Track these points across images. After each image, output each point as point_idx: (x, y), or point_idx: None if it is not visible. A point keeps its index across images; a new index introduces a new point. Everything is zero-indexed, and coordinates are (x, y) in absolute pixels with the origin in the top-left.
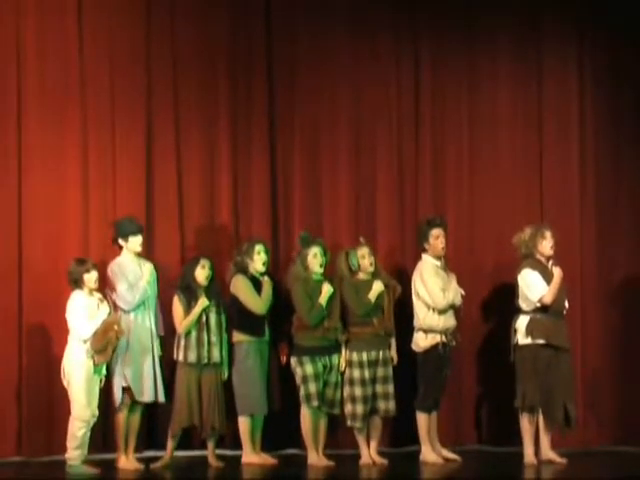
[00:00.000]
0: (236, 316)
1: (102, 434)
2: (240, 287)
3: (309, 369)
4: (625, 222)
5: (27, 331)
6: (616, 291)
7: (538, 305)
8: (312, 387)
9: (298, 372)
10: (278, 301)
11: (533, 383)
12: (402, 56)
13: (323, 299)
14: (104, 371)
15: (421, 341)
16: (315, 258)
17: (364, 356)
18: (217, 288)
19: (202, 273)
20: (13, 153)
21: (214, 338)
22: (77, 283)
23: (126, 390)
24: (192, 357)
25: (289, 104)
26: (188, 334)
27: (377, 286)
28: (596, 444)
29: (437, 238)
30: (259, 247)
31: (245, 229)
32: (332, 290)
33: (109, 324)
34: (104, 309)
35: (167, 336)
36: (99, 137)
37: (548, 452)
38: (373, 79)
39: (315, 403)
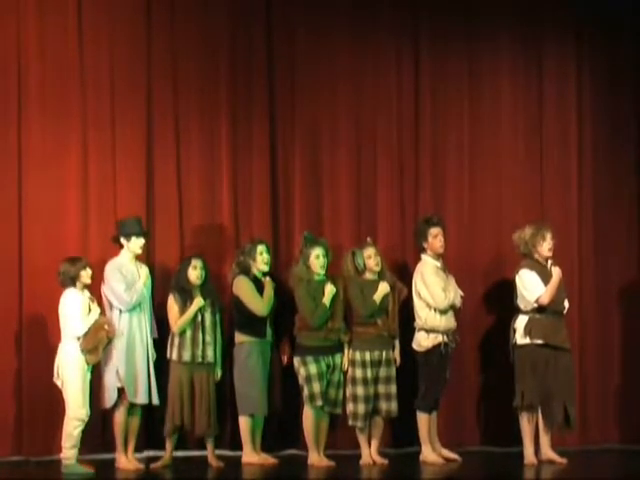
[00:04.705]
0: (238, 317)
1: (101, 434)
2: (242, 288)
3: (313, 369)
4: (623, 223)
5: (27, 330)
6: (614, 291)
7: (535, 305)
8: (316, 387)
9: (301, 372)
10: (280, 301)
11: (531, 383)
12: (402, 56)
13: (327, 299)
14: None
15: (423, 341)
16: (317, 259)
17: (367, 356)
18: (212, 287)
19: (194, 273)
20: (13, 153)
21: (208, 338)
22: (73, 281)
23: (121, 391)
24: (186, 356)
25: (289, 104)
26: (183, 333)
27: (383, 287)
28: (596, 444)
29: (435, 237)
30: (261, 247)
31: (245, 229)
32: (335, 290)
33: (100, 324)
34: (95, 308)
35: (160, 337)
36: (99, 137)
37: (548, 452)
38: (373, 78)
39: (319, 403)
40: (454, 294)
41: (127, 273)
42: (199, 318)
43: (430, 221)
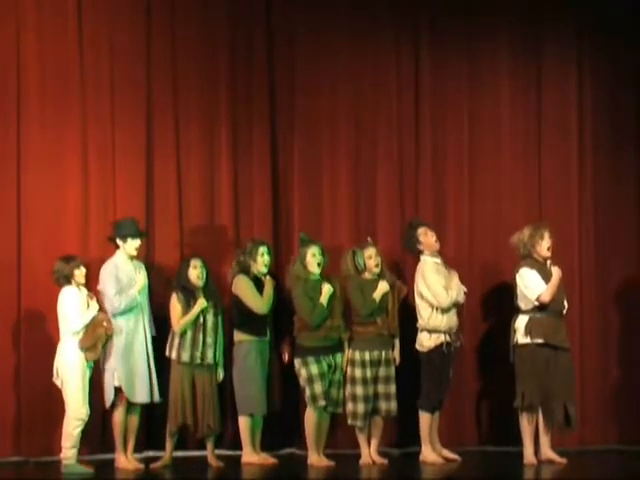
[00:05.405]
0: (237, 316)
1: (101, 434)
2: (242, 287)
3: (314, 369)
4: (623, 223)
5: (26, 330)
6: (614, 291)
7: (536, 304)
8: (318, 387)
9: (303, 373)
10: (280, 301)
11: (532, 383)
12: (402, 56)
13: (324, 299)
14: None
15: (425, 341)
16: (313, 257)
17: (366, 355)
18: (215, 289)
19: (194, 273)
20: (13, 153)
21: (209, 339)
22: (67, 279)
23: (119, 390)
24: (185, 357)
25: (289, 104)
26: (183, 334)
27: (382, 286)
28: (595, 444)
29: (426, 234)
30: (263, 249)
31: (245, 229)
32: (332, 289)
33: (98, 321)
34: (93, 305)
35: (160, 336)
36: (99, 137)
37: (548, 452)
38: (373, 79)
39: (322, 403)
40: (457, 291)
41: (123, 276)
42: (201, 320)
43: (414, 223)
